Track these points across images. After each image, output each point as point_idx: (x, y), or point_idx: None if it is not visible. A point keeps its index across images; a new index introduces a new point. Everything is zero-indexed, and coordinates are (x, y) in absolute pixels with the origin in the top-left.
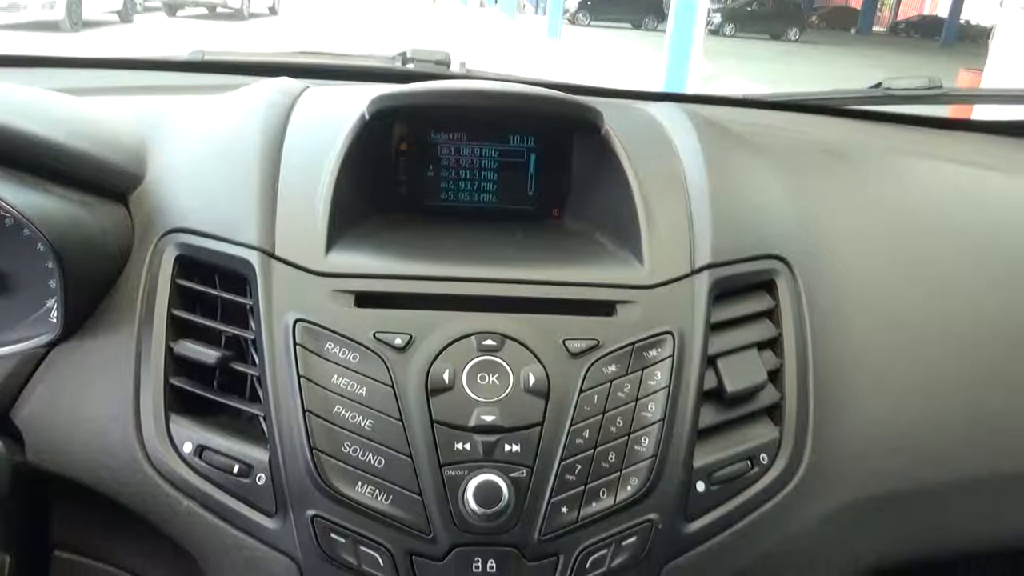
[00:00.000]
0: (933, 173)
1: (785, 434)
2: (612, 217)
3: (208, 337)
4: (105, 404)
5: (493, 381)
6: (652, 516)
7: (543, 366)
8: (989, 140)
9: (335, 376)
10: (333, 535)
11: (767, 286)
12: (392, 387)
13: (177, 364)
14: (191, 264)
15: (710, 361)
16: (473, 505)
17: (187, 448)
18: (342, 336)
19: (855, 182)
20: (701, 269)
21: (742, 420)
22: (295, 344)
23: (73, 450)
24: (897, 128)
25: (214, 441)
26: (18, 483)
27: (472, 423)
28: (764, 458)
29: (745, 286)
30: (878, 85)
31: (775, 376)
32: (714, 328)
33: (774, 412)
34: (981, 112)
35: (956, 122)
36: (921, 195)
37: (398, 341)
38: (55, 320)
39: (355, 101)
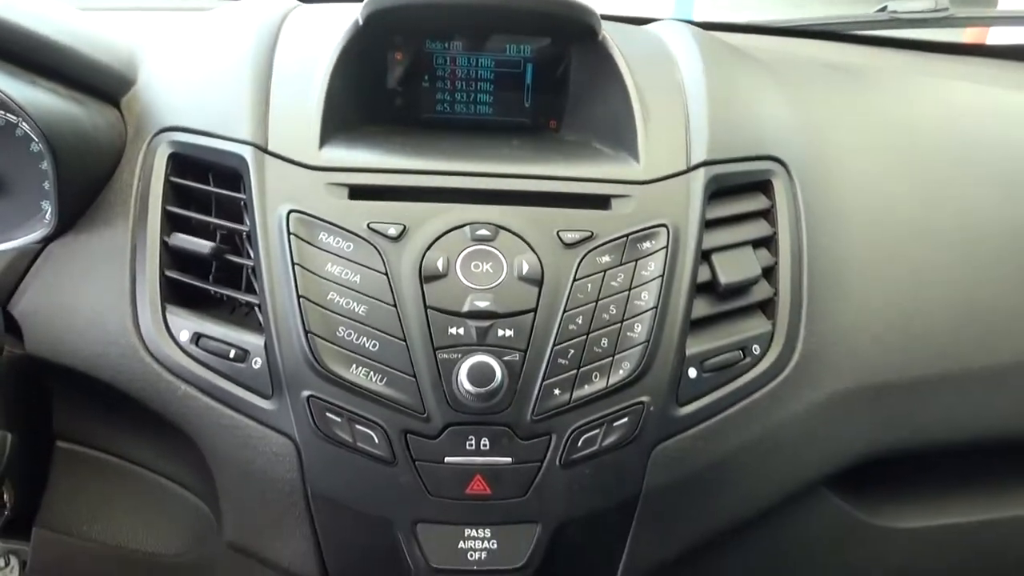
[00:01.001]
0: (934, 89)
1: (778, 327)
2: (610, 125)
3: (202, 232)
4: (101, 296)
5: (487, 269)
6: (644, 399)
7: (537, 255)
8: (999, 65)
9: (329, 264)
10: (329, 414)
11: (763, 187)
12: (386, 274)
13: (172, 257)
14: (184, 162)
15: (704, 256)
16: (467, 385)
17: (184, 336)
18: (336, 226)
19: (856, 93)
20: (697, 166)
21: (735, 313)
22: (289, 234)
23: (71, 340)
24: (902, 53)
25: (210, 329)
26: (19, 375)
27: (466, 309)
28: (756, 349)
29: (741, 185)
30: (883, 8)
31: (769, 273)
32: (709, 225)
33: (767, 306)
34: (992, 36)
35: (963, 47)
36: (921, 107)
37: (392, 231)
38: (49, 219)
39: (348, 12)
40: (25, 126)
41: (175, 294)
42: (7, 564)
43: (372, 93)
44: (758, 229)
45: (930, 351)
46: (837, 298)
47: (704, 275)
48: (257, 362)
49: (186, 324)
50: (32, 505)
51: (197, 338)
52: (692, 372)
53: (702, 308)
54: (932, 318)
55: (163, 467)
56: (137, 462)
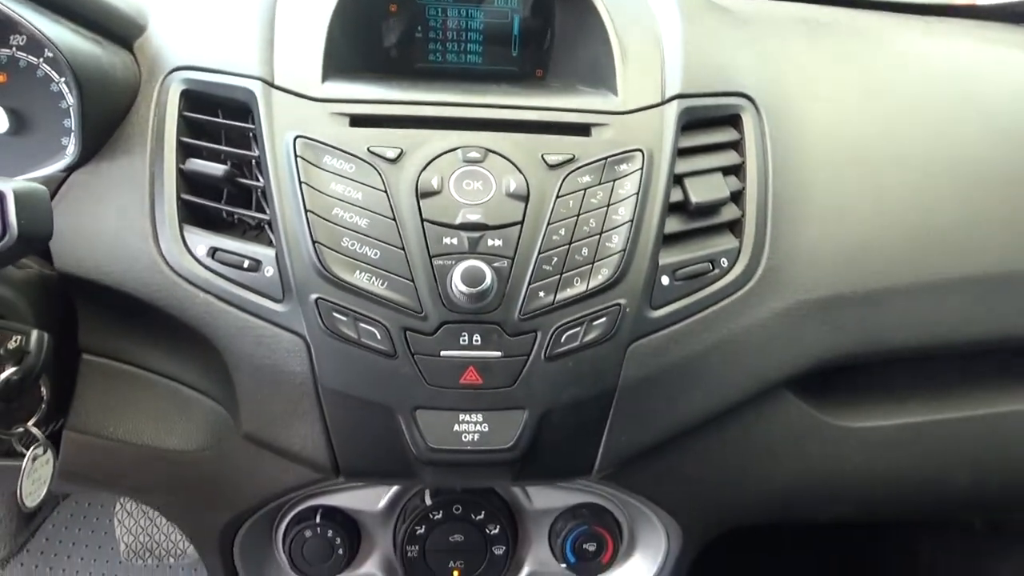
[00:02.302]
0: (912, 43)
1: (744, 244)
2: (591, 69)
3: (215, 160)
4: (123, 217)
5: (477, 187)
6: (621, 301)
7: (523, 175)
8: (988, 27)
9: (333, 183)
10: (336, 314)
11: (733, 121)
12: (385, 192)
13: (188, 183)
14: (196, 98)
15: (677, 179)
16: (460, 287)
17: (200, 251)
18: (338, 150)
19: (831, 43)
20: (671, 99)
21: (706, 231)
22: (296, 156)
23: (96, 257)
24: (891, 15)
25: (225, 243)
26: (48, 293)
27: (458, 221)
28: (724, 262)
29: (712, 119)
30: None
31: (737, 197)
32: (682, 153)
33: (735, 226)
34: None
35: (955, 8)
36: (895, 55)
37: (390, 153)
38: (72, 150)
39: None
40: (47, 66)
41: (191, 217)
42: (45, 452)
43: (368, 42)
44: (728, 158)
45: (884, 267)
46: (799, 219)
47: (677, 196)
48: (269, 271)
49: (202, 240)
50: (62, 412)
51: (213, 252)
52: (665, 280)
53: (675, 225)
54: (887, 238)
55: (183, 375)
56: (159, 372)
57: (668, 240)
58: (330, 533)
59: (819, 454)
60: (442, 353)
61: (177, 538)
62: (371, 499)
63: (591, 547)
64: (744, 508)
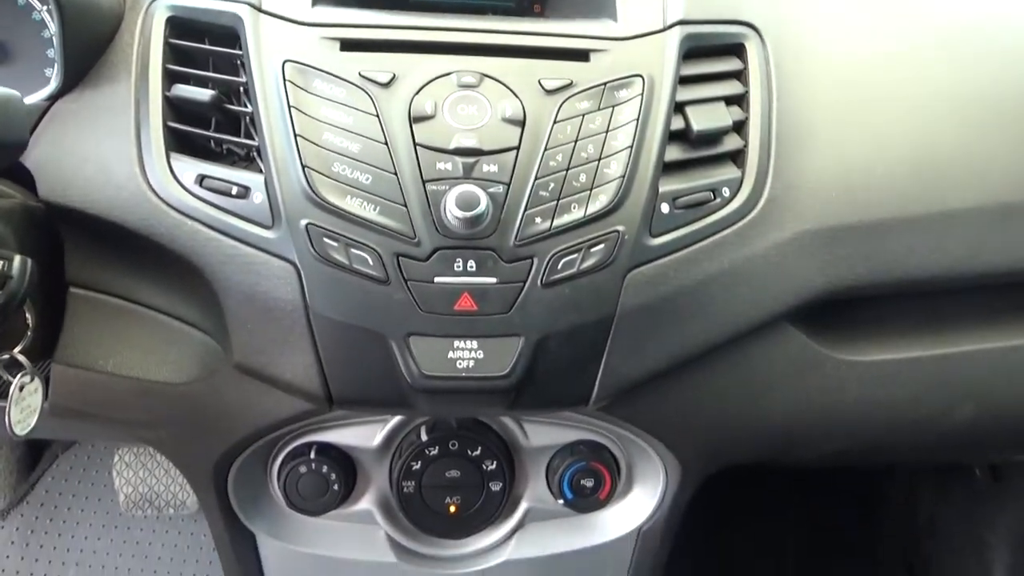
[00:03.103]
0: None
1: (747, 174)
2: (591, 4)
3: (202, 87)
4: (109, 145)
5: (472, 112)
6: (619, 228)
7: (519, 100)
8: None
9: (323, 108)
10: (326, 240)
11: (737, 50)
12: (377, 116)
13: (174, 111)
14: (181, 25)
15: (679, 107)
16: (454, 211)
17: (188, 178)
18: (329, 74)
19: None
20: (672, 25)
21: (708, 161)
22: (285, 81)
23: (82, 186)
24: None
25: (213, 171)
26: (34, 223)
27: (452, 146)
28: (726, 191)
29: (716, 47)
30: None
31: (740, 127)
32: (684, 81)
33: (737, 157)
34: None
35: None
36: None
37: (382, 78)
38: (55, 78)
39: None
40: None
41: (178, 145)
42: (32, 380)
43: None
44: (731, 87)
45: (888, 197)
46: (803, 150)
47: (679, 125)
48: (258, 197)
49: (190, 167)
50: (50, 345)
51: (201, 179)
52: (665, 208)
53: (676, 153)
54: (891, 169)
55: (172, 307)
56: (148, 304)
57: (669, 168)
58: (325, 469)
59: (820, 388)
60: (436, 279)
61: (176, 490)
62: (366, 436)
63: (589, 483)
64: (743, 443)
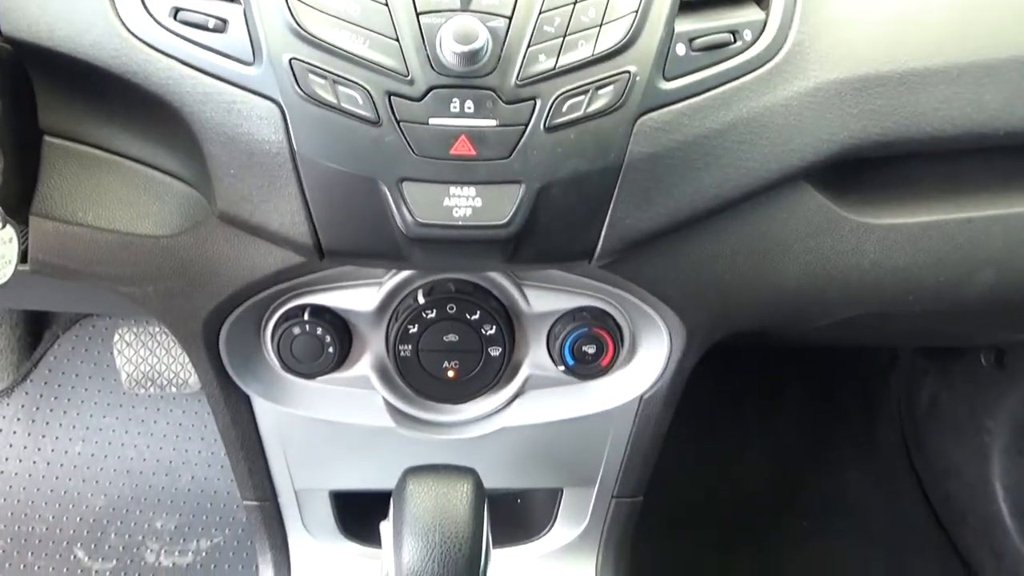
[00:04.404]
0: None
1: (771, 16)
2: None
3: None
4: None
5: None
6: (630, 68)
7: None
8: None
9: None
10: (312, 76)
11: None
12: None
13: None
14: None
15: None
16: (451, 45)
17: (161, 11)
18: None
19: None
20: None
21: (729, 2)
22: None
23: (48, 20)
24: None
25: (187, 2)
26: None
27: None
28: (748, 34)
29: None
30: None
31: None
32: None
33: (761, 0)
34: None
35: None
36: None
37: None
38: None
39: None
40: None
41: None
42: (4, 226)
43: None
44: None
45: (922, 45)
46: None
47: None
48: (237, 30)
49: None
50: (25, 197)
51: (175, 12)
52: (680, 49)
53: None
54: (926, 14)
55: (153, 157)
56: (127, 155)
57: (686, 6)
58: (319, 331)
59: (836, 251)
60: (431, 121)
61: (178, 368)
62: (362, 299)
63: (590, 350)
64: (753, 307)
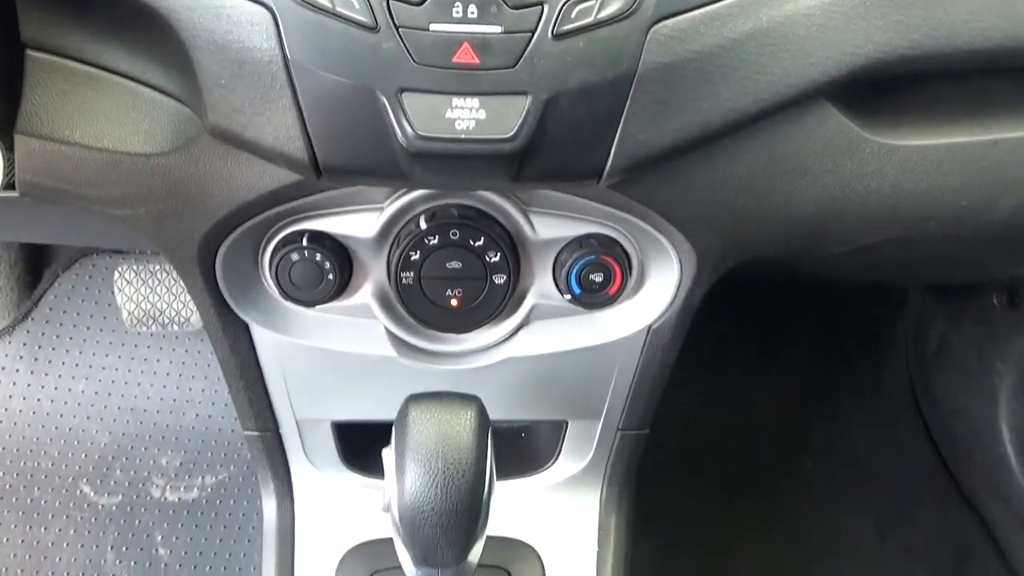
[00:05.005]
0: None
1: None
2: None
3: None
4: None
5: None
6: None
7: None
8: None
9: None
10: None
11: None
12: None
13: None
14: None
15: None
16: None
17: None
18: None
19: None
20: None
21: None
22: None
23: None
24: None
25: None
26: None
27: None
28: None
29: None
30: None
31: None
32: None
33: None
34: None
35: None
36: None
37: None
38: None
39: None
40: None
41: None
42: None
43: None
44: None
45: None
46: None
47: None
48: None
49: None
50: (10, 114)
51: None
52: None
53: None
54: None
55: (141, 73)
56: (114, 70)
57: None
58: (319, 257)
59: (856, 173)
60: (432, 26)
61: (179, 307)
62: (362, 225)
63: (598, 278)
64: (767, 232)
